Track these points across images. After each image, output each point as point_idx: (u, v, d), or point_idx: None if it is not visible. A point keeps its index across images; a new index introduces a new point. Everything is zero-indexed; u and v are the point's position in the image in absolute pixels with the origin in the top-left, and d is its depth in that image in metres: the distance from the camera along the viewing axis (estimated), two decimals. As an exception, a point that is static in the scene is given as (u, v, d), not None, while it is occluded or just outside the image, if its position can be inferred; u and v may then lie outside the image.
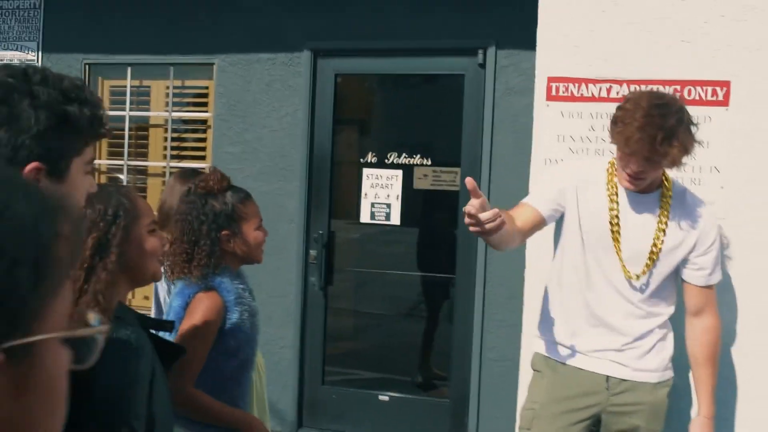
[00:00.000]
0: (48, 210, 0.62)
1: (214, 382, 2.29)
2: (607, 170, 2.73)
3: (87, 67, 5.51)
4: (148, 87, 5.52)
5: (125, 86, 5.48)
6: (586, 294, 2.74)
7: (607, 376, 2.75)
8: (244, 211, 2.38)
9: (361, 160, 4.95)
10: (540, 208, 2.69)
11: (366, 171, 4.92)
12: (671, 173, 2.77)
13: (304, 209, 4.93)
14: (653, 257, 2.65)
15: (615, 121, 2.52)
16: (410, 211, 4.90)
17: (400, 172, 4.86)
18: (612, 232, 2.67)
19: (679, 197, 2.71)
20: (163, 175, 5.41)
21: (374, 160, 4.93)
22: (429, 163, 4.84)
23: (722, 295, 2.92)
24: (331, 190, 4.99)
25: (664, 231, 2.65)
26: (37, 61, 5.58)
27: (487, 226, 2.21)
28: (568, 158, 3.18)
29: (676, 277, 2.75)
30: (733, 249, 3.01)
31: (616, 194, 2.68)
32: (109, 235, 1.63)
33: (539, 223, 2.70)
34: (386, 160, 4.90)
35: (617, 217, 2.66)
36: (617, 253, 2.67)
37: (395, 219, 4.87)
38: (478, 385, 4.68)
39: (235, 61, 5.10)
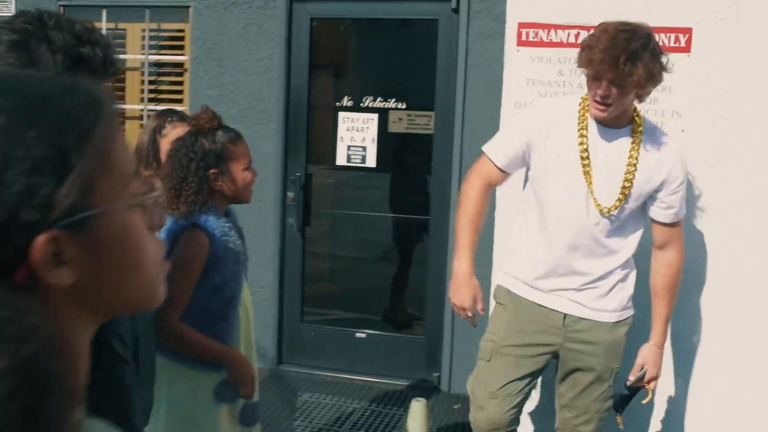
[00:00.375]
0: (95, 100, 0.73)
1: (200, 319, 2.36)
2: (579, 105, 2.74)
3: (62, 9, 5.47)
4: (124, 29, 5.52)
5: (100, 29, 5.47)
6: (553, 231, 2.75)
7: (565, 314, 2.81)
8: (233, 151, 2.42)
9: (337, 103, 5.03)
10: (502, 164, 2.80)
11: (342, 114, 5.00)
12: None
13: (282, 152, 5.02)
14: (625, 191, 2.66)
15: (582, 46, 2.57)
16: (385, 154, 5.00)
17: (375, 116, 4.95)
18: (582, 165, 2.66)
19: (650, 133, 2.71)
20: (141, 118, 5.45)
21: (350, 103, 5.00)
22: (404, 106, 4.93)
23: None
24: (308, 133, 5.08)
25: (635, 165, 2.65)
26: (10, 3, 5.55)
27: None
28: (537, 102, 3.30)
29: (641, 214, 2.78)
30: (689, 190, 3.16)
31: (587, 128, 2.68)
32: None
33: (503, 179, 2.86)
34: (362, 104, 4.98)
35: (587, 150, 2.65)
36: (588, 186, 2.67)
37: (371, 162, 4.97)
38: (451, 323, 4.85)
39: (210, 4, 5.11)
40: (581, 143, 2.67)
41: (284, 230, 5.10)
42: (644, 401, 2.89)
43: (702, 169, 3.15)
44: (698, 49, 3.13)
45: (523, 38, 3.33)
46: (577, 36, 3.25)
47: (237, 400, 2.44)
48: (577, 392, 2.88)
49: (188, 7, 5.18)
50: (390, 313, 5.28)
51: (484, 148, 2.86)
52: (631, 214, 2.73)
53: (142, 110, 5.44)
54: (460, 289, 2.72)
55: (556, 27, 3.28)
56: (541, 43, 3.29)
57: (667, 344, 3.03)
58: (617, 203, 2.67)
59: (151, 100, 5.40)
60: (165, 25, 5.43)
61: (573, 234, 2.73)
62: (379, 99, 4.95)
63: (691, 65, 3.14)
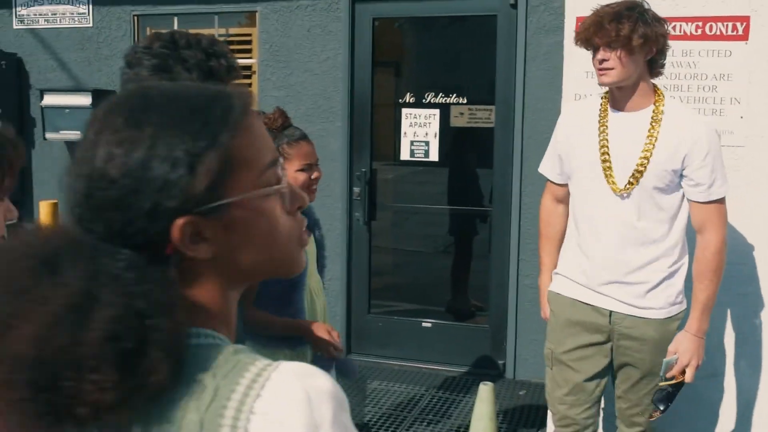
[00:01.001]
0: (229, 107, 0.88)
1: (265, 304, 2.49)
2: (601, 99, 2.79)
3: (135, 18, 5.77)
4: (194, 36, 5.77)
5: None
6: (587, 225, 2.78)
7: (611, 311, 2.77)
8: (286, 151, 2.52)
9: (400, 100, 5.19)
10: (555, 178, 2.96)
11: (404, 111, 5.15)
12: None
13: (347, 148, 5.20)
14: (640, 169, 2.63)
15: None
16: (447, 148, 5.14)
17: (437, 111, 5.09)
18: (601, 153, 2.70)
19: (673, 113, 2.66)
20: (212, 120, 5.69)
21: (412, 100, 5.16)
22: (464, 101, 5.06)
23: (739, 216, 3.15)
24: (372, 130, 5.25)
25: (653, 144, 2.62)
26: (88, 14, 5.85)
27: None
28: (595, 92, 3.39)
29: (678, 202, 2.70)
30: (750, 174, 3.22)
31: (607, 118, 2.72)
32: None
33: (567, 191, 2.93)
34: (423, 100, 5.12)
35: (606, 138, 2.70)
36: (606, 169, 2.69)
37: (433, 156, 5.11)
38: (515, 311, 4.97)
39: (276, 8, 5.32)
40: (601, 132, 2.73)
41: (351, 224, 5.28)
42: (675, 381, 2.71)
43: (763, 153, 3.20)
44: (756, 36, 3.18)
45: (582, 32, 3.42)
46: (634, 28, 3.33)
47: (331, 369, 2.58)
48: (628, 386, 2.85)
49: (255, 12, 5.40)
50: (454, 303, 5.41)
51: (539, 168, 3.05)
52: (659, 197, 2.66)
53: (213, 112, 5.68)
54: (541, 305, 3.03)
55: (614, 20, 3.36)
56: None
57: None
58: (633, 180, 2.65)
59: (221, 102, 5.64)
60: (233, 30, 5.66)
61: (603, 222, 2.73)
62: (440, 94, 5.09)
63: (749, 53, 3.19)
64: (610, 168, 2.69)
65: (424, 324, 5.28)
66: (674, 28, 3.28)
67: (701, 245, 2.69)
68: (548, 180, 3.00)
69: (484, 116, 5.04)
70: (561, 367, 2.89)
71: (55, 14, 5.95)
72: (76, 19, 5.89)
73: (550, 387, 2.95)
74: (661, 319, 2.74)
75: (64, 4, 5.90)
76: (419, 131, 5.12)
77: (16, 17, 6.07)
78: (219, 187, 0.84)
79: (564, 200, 2.97)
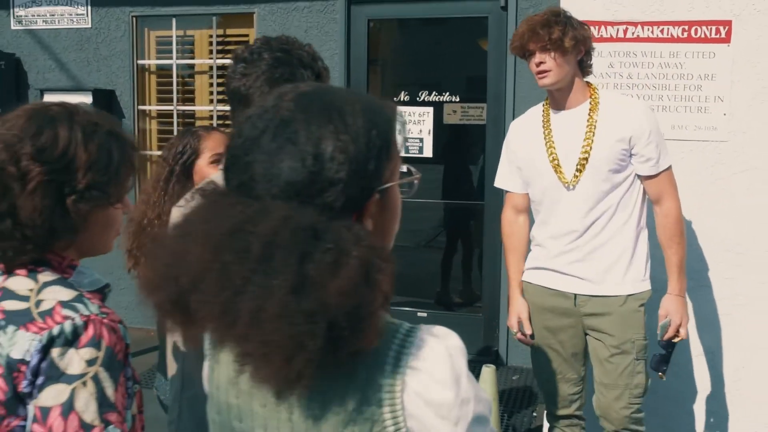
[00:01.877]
0: (393, 110, 1.12)
1: None
2: (543, 105, 2.99)
3: (134, 19, 5.91)
4: (192, 36, 5.93)
5: (171, 36, 5.89)
6: (545, 216, 2.97)
7: (575, 295, 2.92)
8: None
9: (395, 98, 5.39)
10: (512, 187, 3.09)
11: (399, 108, 5.35)
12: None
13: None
14: (583, 162, 2.81)
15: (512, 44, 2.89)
16: (441, 144, 5.36)
17: (430, 109, 5.31)
18: (548, 152, 2.89)
19: (608, 103, 2.85)
20: (210, 118, 5.86)
21: (406, 98, 5.37)
22: (457, 99, 5.28)
23: (720, 199, 3.40)
24: (368, 128, 5.43)
25: (593, 133, 2.80)
26: (86, 15, 5.98)
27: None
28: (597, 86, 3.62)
29: (629, 178, 2.84)
30: (733, 167, 3.47)
31: (549, 121, 2.92)
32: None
33: (526, 199, 3.07)
34: (417, 98, 5.34)
35: (552, 138, 2.89)
36: (554, 164, 2.87)
37: (428, 152, 5.33)
38: (507, 300, 5.19)
39: (273, 9, 5.50)
40: (546, 133, 2.92)
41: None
42: (676, 340, 2.88)
43: (744, 148, 3.45)
44: (737, 39, 3.43)
45: (576, 34, 3.65)
46: (625, 31, 3.57)
47: None
48: (602, 368, 2.94)
49: (252, 13, 5.57)
50: (448, 294, 5.63)
51: (495, 183, 3.17)
52: (614, 178, 2.81)
53: (211, 111, 5.85)
54: (509, 315, 3.13)
55: (606, 23, 3.60)
56: (592, 39, 3.61)
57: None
58: (577, 173, 2.83)
59: (220, 101, 5.81)
60: (231, 31, 5.83)
61: (561, 212, 2.89)
62: (434, 93, 5.31)
63: (731, 54, 3.44)
64: (558, 164, 2.87)
65: (419, 314, 5.49)
66: (662, 31, 3.53)
67: (662, 213, 2.87)
68: (507, 192, 3.13)
69: (476, 113, 5.26)
70: (543, 349, 3.05)
71: (53, 15, 6.07)
72: (74, 19, 6.02)
73: (535, 368, 3.13)
74: (624, 296, 2.87)
75: (62, 5, 6.02)
76: (413, 128, 5.33)
77: (14, 18, 6.18)
78: (392, 173, 1.08)
79: (524, 210, 3.11)
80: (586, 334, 2.99)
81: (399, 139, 1.11)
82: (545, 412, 3.24)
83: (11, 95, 6.15)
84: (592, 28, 3.58)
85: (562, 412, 3.10)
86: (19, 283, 1.35)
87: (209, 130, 2.70)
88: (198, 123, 5.99)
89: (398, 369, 0.99)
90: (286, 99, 1.05)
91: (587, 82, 2.90)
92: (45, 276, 1.36)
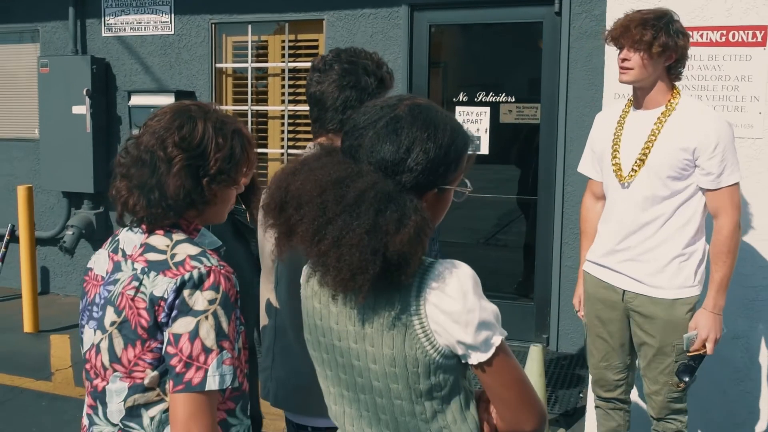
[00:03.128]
0: (468, 138, 1.53)
1: None
2: (627, 101, 3.12)
3: (213, 25, 6.39)
4: (266, 41, 6.39)
5: (246, 41, 6.36)
6: (608, 212, 3.11)
7: (624, 290, 3.05)
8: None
9: (454, 99, 5.74)
10: (592, 174, 3.27)
11: (458, 108, 5.71)
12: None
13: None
14: (642, 158, 2.91)
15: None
16: (497, 142, 5.68)
17: (487, 109, 5.64)
18: (612, 148, 3.02)
19: (684, 110, 2.90)
20: (282, 117, 6.30)
21: (465, 98, 5.71)
22: (513, 100, 5.60)
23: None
24: (428, 126, 5.79)
25: (656, 136, 2.88)
26: (170, 22, 6.49)
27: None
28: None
29: (691, 186, 2.90)
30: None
31: (625, 118, 3.04)
32: None
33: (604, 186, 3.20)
34: (475, 99, 5.67)
35: (620, 135, 3.02)
36: (614, 160, 3.00)
37: (484, 149, 5.66)
38: (558, 289, 5.49)
39: (341, 16, 5.90)
40: (617, 129, 3.05)
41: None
42: (702, 352, 2.94)
43: (779, 145, 3.71)
44: (773, 43, 3.68)
45: (621, 39, 3.94)
46: (667, 36, 3.85)
47: None
48: (645, 363, 3.07)
49: (322, 19, 5.99)
50: (504, 281, 5.95)
51: (578, 168, 3.37)
52: (672, 184, 2.87)
53: (282, 111, 6.29)
54: (574, 294, 3.41)
55: (649, 29, 3.88)
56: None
57: None
58: (632, 172, 2.93)
59: (291, 102, 6.24)
60: (302, 36, 6.26)
61: (618, 208, 3.01)
62: (490, 94, 5.64)
63: (767, 57, 3.69)
64: (618, 160, 2.99)
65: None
66: (702, 36, 3.80)
67: (716, 229, 2.91)
68: (589, 178, 3.31)
69: (530, 113, 5.57)
70: (593, 338, 3.25)
71: (140, 23, 6.59)
72: (159, 26, 6.53)
73: (588, 354, 3.34)
74: (670, 300, 2.95)
75: (148, 13, 6.54)
76: (471, 127, 5.66)
77: (104, 26, 6.73)
78: (449, 177, 1.51)
79: (602, 197, 3.23)
80: (630, 328, 3.13)
81: (469, 157, 1.53)
82: (592, 391, 3.46)
83: (102, 96, 6.71)
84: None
85: (607, 395, 3.29)
86: (158, 240, 1.75)
87: None
88: (270, 122, 6.44)
89: (422, 288, 1.44)
90: (404, 103, 1.50)
91: (673, 86, 2.96)
92: (177, 236, 1.76)
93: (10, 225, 7.03)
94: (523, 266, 5.92)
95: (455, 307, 1.41)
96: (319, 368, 1.65)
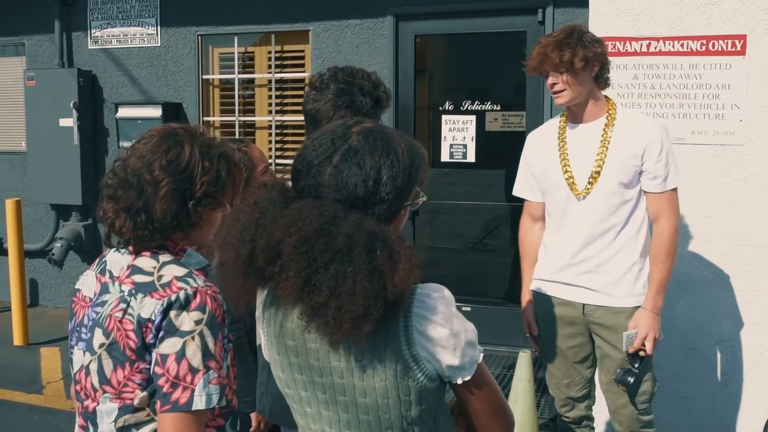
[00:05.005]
0: (421, 151, 1.53)
1: None
2: (560, 117, 3.11)
3: (199, 37, 6.42)
4: (252, 52, 6.41)
5: (233, 53, 6.38)
6: (556, 225, 3.08)
7: (583, 305, 3.02)
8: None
9: (440, 108, 5.78)
10: (528, 196, 3.24)
11: (444, 117, 5.75)
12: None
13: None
14: (597, 170, 2.91)
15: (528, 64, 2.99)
16: (483, 150, 5.73)
17: (473, 117, 5.68)
18: (562, 164, 2.99)
19: (624, 119, 2.94)
20: (269, 128, 6.33)
21: (451, 107, 5.75)
22: (498, 108, 5.64)
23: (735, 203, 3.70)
24: (415, 135, 5.84)
25: (606, 147, 2.90)
26: (156, 34, 6.51)
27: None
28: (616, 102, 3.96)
29: (638, 192, 2.93)
30: (749, 168, 3.78)
31: (565, 134, 3.03)
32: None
33: (543, 207, 3.18)
34: (461, 107, 5.72)
35: (566, 150, 3.00)
36: (566, 175, 2.97)
37: (471, 158, 5.70)
38: (546, 295, 5.52)
39: (327, 27, 5.94)
40: (561, 146, 3.03)
41: (397, 219, 5.88)
42: (642, 354, 2.94)
43: (760, 151, 3.76)
44: (752, 52, 3.74)
45: (603, 49, 4.00)
46: (648, 46, 3.90)
47: None
48: (609, 377, 3.05)
49: (308, 31, 6.02)
50: (493, 289, 5.99)
51: (513, 191, 3.32)
52: (624, 192, 2.91)
53: (270, 121, 6.32)
54: (523, 319, 3.31)
55: (631, 39, 3.93)
56: (618, 53, 3.95)
57: None
58: (589, 185, 2.93)
59: (278, 112, 6.27)
60: (288, 47, 6.29)
61: (573, 223, 3.00)
62: (476, 102, 5.68)
63: (746, 65, 3.75)
64: (571, 175, 2.97)
65: (464, 308, 5.86)
66: (682, 45, 3.86)
67: (656, 232, 2.95)
68: (525, 200, 3.27)
69: (516, 121, 5.62)
70: (552, 358, 3.20)
71: (126, 35, 6.61)
72: (145, 39, 6.55)
73: (548, 375, 3.29)
74: (631, 308, 2.96)
75: (134, 26, 6.56)
76: (458, 135, 5.71)
77: (90, 38, 6.74)
78: (410, 194, 1.52)
79: (540, 218, 3.22)
80: (593, 340, 3.11)
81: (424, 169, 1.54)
82: (557, 417, 3.41)
83: (89, 108, 6.72)
84: (617, 43, 3.95)
85: (573, 414, 3.24)
86: (145, 262, 1.78)
87: (245, 143, 2.92)
88: (258, 132, 6.47)
89: (408, 316, 1.43)
90: (354, 130, 1.49)
91: (606, 97, 3.02)
92: (164, 257, 1.79)
93: (-2, 238, 7.03)
94: (511, 271, 5.96)
95: (442, 333, 1.43)
96: (297, 406, 1.60)
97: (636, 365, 2.95)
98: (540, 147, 3.15)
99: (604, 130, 2.95)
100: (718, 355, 3.96)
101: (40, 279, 7.22)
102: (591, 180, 2.93)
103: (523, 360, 4.10)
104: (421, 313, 1.43)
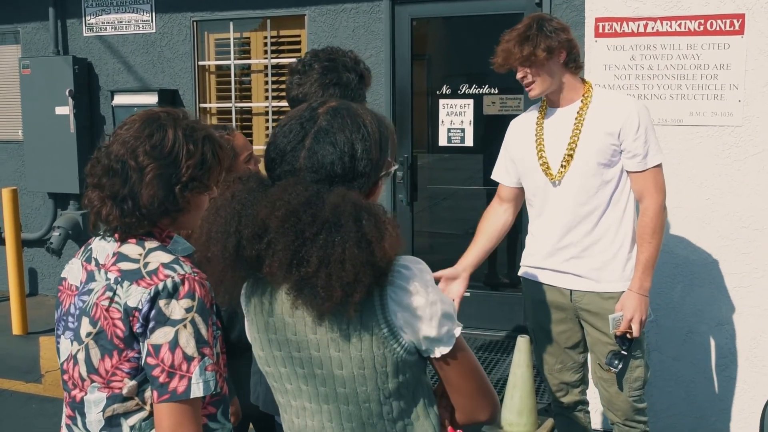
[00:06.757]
0: (387, 121, 1.53)
1: None
2: (541, 103, 3.09)
3: (194, 23, 6.37)
4: (248, 38, 6.37)
5: (228, 38, 6.34)
6: (537, 211, 3.06)
7: (570, 290, 2.99)
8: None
9: (437, 91, 5.74)
10: (502, 180, 3.22)
11: (441, 101, 5.71)
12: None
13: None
14: (570, 152, 2.88)
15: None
16: (481, 134, 5.69)
17: (471, 101, 5.64)
18: (537, 149, 2.98)
19: (599, 100, 2.91)
20: (266, 114, 6.29)
21: (448, 91, 5.71)
22: (496, 91, 5.60)
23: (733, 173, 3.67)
24: (412, 119, 5.81)
25: (579, 129, 2.87)
26: (151, 21, 6.46)
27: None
28: (613, 84, 3.93)
29: (620, 172, 2.88)
30: (748, 149, 3.74)
31: (543, 118, 3.02)
32: None
33: (514, 192, 3.18)
34: (459, 91, 5.67)
35: (542, 135, 2.99)
36: (541, 160, 2.95)
37: (469, 142, 5.66)
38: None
39: (323, 11, 5.89)
40: (537, 131, 3.02)
41: (395, 205, 5.86)
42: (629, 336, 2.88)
43: (759, 132, 3.72)
44: (750, 31, 3.70)
45: (600, 30, 3.96)
46: (645, 26, 3.86)
47: None
48: (600, 365, 3.01)
49: (304, 15, 5.97)
50: (492, 274, 5.97)
51: (492, 175, 3.31)
52: (605, 173, 2.86)
53: (266, 107, 6.28)
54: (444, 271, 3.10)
55: (628, 19, 3.89)
56: (615, 34, 3.92)
57: None
58: (562, 168, 2.90)
59: (274, 98, 6.23)
60: (284, 32, 6.24)
61: (552, 209, 2.97)
62: (474, 86, 5.64)
63: (745, 45, 3.71)
64: (545, 161, 2.95)
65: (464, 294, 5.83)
66: (680, 25, 3.82)
67: (641, 211, 2.89)
68: (499, 183, 3.26)
69: (513, 104, 5.58)
70: (544, 344, 3.17)
71: (121, 21, 6.57)
72: (140, 25, 6.51)
73: (542, 363, 3.23)
74: (619, 293, 2.90)
75: (129, 12, 6.52)
76: (455, 119, 5.67)
77: (85, 26, 6.70)
78: (384, 164, 1.52)
79: (509, 200, 3.20)
80: (582, 327, 3.07)
81: (393, 136, 1.55)
82: (551, 403, 3.35)
83: (85, 96, 6.69)
84: (614, 24, 3.91)
85: (568, 399, 3.21)
86: (131, 249, 1.75)
87: (228, 130, 2.83)
88: (254, 119, 6.43)
89: (384, 288, 1.43)
90: (320, 111, 1.49)
91: (583, 80, 2.99)
92: (150, 243, 1.76)
93: (-4, 228, 7.01)
94: (509, 257, 5.94)
95: (419, 301, 1.43)
96: (277, 384, 1.61)
97: (624, 348, 2.90)
98: (519, 133, 3.14)
99: (578, 112, 2.92)
100: (717, 339, 3.94)
101: (39, 268, 7.21)
102: (564, 163, 2.91)
103: (522, 345, 4.10)
104: (397, 283, 1.43)
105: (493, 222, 3.22)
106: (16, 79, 6.88)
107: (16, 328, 6.13)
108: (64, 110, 6.54)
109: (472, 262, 3.13)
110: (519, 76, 2.93)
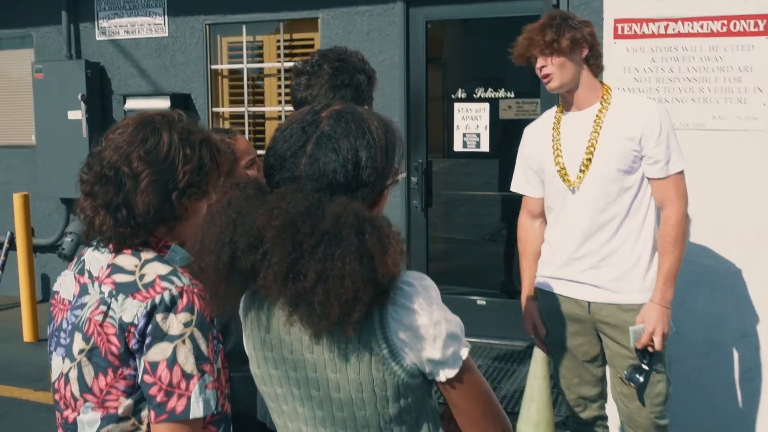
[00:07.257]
0: (394, 126, 1.43)
1: None
2: (557, 107, 2.98)
3: (207, 27, 6.31)
4: (261, 41, 6.30)
5: (241, 42, 6.27)
6: (555, 219, 2.94)
7: (589, 303, 2.87)
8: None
9: (452, 95, 5.64)
10: (527, 191, 3.09)
11: (457, 105, 5.61)
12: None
13: (405, 141, 5.67)
14: (588, 157, 2.78)
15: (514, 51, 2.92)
16: (497, 139, 5.58)
17: (487, 105, 5.54)
18: (554, 155, 2.87)
19: (619, 103, 2.81)
20: (279, 118, 6.22)
21: (463, 95, 5.61)
22: (512, 95, 5.50)
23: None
24: (427, 124, 5.71)
25: (598, 133, 2.77)
26: (164, 24, 6.41)
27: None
28: (633, 87, 3.81)
29: (640, 179, 2.78)
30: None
31: (560, 122, 2.91)
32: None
33: (541, 203, 3.04)
34: (474, 95, 5.58)
35: (559, 140, 2.88)
36: (559, 170, 2.84)
37: (485, 147, 5.56)
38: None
39: (336, 14, 5.81)
40: (555, 136, 2.91)
41: (410, 211, 5.76)
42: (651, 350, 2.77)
43: (784, 137, 3.61)
44: (776, 32, 3.58)
45: (619, 32, 3.85)
46: (666, 27, 3.75)
47: None
48: (620, 380, 2.89)
49: (317, 18, 5.90)
50: (506, 282, 5.86)
51: (511, 187, 3.19)
52: (624, 179, 2.76)
53: (279, 111, 6.21)
54: (524, 321, 3.13)
55: (648, 20, 3.78)
56: (635, 36, 3.80)
57: None
58: (581, 174, 2.79)
59: (287, 102, 6.16)
60: (297, 35, 6.17)
61: (569, 217, 2.86)
62: (490, 89, 5.54)
63: (770, 47, 3.59)
64: (563, 166, 2.84)
65: (479, 302, 5.74)
66: (702, 26, 3.70)
67: (662, 219, 2.78)
68: (523, 196, 3.13)
69: (530, 109, 5.47)
70: (561, 357, 3.05)
71: (133, 25, 6.52)
72: (153, 29, 6.46)
73: (559, 377, 3.12)
74: (639, 304, 2.79)
75: (141, 15, 6.47)
76: (471, 124, 5.57)
77: (98, 29, 6.66)
78: (392, 172, 1.42)
79: (539, 214, 3.08)
80: (600, 340, 2.95)
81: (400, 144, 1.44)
82: (569, 418, 3.24)
83: (97, 100, 6.65)
84: (634, 25, 3.79)
85: (587, 414, 3.09)
86: (126, 260, 1.66)
87: (230, 133, 2.71)
88: (267, 123, 6.36)
89: (385, 306, 1.32)
90: (323, 115, 1.38)
91: (601, 83, 2.89)
92: (146, 254, 1.68)
93: (9, 233, 6.97)
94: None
95: (422, 321, 1.33)
96: (273, 404, 1.51)
97: (645, 361, 2.79)
98: (536, 139, 3.03)
99: (597, 115, 2.81)
100: (741, 350, 3.81)
101: (51, 274, 7.18)
102: (582, 168, 2.80)
103: (539, 356, 3.97)
104: (399, 301, 1.33)
105: (535, 242, 3.10)
106: (28, 83, 6.85)
107: (27, 335, 6.08)
108: (77, 114, 6.51)
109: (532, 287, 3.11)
110: (538, 65, 2.82)
